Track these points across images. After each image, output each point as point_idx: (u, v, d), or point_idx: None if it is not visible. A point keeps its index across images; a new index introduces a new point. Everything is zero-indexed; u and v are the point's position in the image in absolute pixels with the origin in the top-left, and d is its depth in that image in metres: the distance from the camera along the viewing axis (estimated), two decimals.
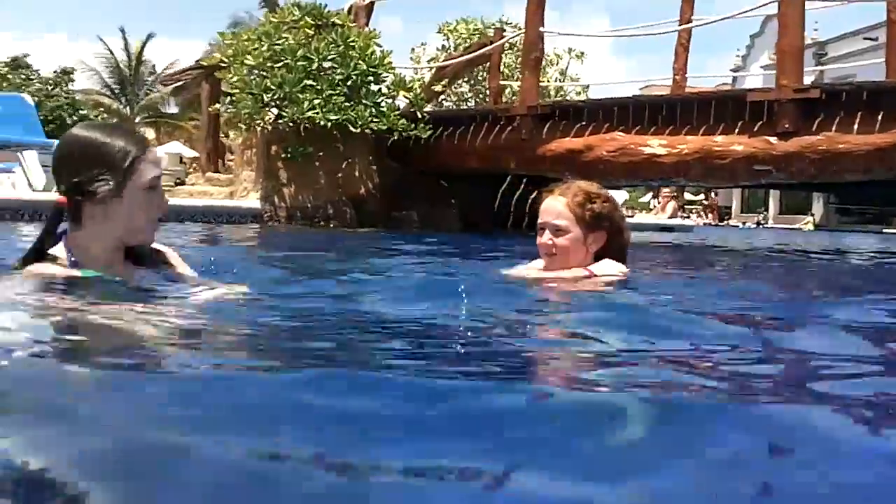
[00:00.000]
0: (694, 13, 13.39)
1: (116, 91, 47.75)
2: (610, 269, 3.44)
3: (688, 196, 37.99)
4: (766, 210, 48.26)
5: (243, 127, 12.91)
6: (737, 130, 9.58)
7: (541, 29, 11.23)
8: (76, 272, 2.42)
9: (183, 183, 16.89)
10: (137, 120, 47.44)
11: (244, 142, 12.93)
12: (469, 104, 18.75)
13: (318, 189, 12.06)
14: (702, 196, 39.35)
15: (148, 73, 48.41)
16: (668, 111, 10.35)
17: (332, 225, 11.83)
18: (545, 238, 3.46)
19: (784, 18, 9.30)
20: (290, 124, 11.63)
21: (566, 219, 3.41)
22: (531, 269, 3.69)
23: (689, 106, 10.25)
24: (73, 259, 2.45)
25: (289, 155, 12.00)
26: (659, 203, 30.64)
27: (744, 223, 43.22)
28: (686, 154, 9.83)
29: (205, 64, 14.37)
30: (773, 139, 9.22)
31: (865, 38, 37.47)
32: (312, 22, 12.11)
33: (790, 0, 9.18)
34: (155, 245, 2.70)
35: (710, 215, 38.28)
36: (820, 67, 33.20)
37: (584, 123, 10.79)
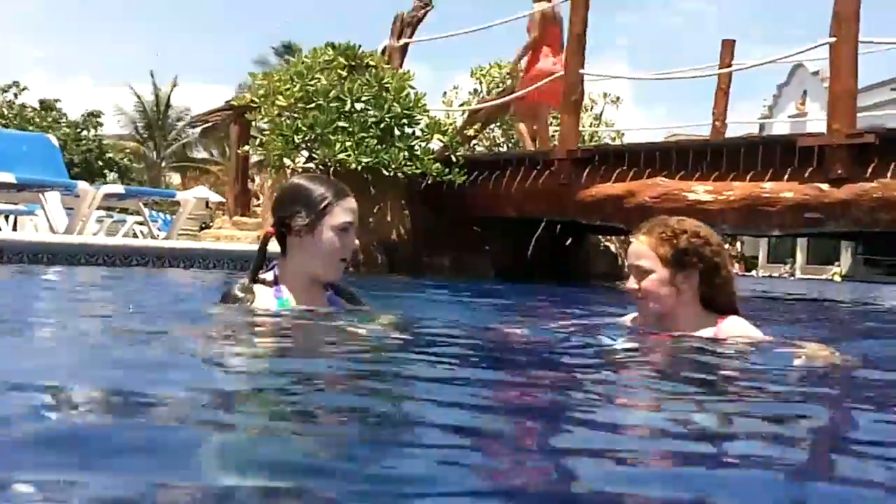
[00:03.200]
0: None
1: (144, 135, 47.96)
2: (734, 330, 3.08)
3: None
4: (794, 260, 47.77)
5: (272, 170, 12.65)
6: (786, 177, 9.20)
7: (581, 71, 10.92)
8: (271, 303, 3.05)
9: (208, 227, 16.65)
10: (164, 164, 47.62)
11: (273, 185, 12.67)
12: (501, 149, 18.39)
13: None
14: (727, 246, 38.85)
15: (175, 118, 48.62)
16: (712, 156, 9.98)
17: (360, 270, 11.48)
18: (630, 283, 3.14)
19: (837, 60, 8.94)
20: (322, 167, 11.35)
21: (648, 258, 3.08)
22: (625, 319, 3.37)
23: (734, 151, 9.90)
24: (276, 284, 3.10)
25: None
26: None
27: (769, 274, 42.67)
28: (733, 200, 9.44)
29: (235, 104, 14.15)
30: (825, 186, 8.83)
31: (893, 90, 37.69)
32: (346, 62, 11.85)
33: (843, 41, 8.85)
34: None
35: (736, 266, 37.74)
36: None
37: (624, 168, 10.42)
